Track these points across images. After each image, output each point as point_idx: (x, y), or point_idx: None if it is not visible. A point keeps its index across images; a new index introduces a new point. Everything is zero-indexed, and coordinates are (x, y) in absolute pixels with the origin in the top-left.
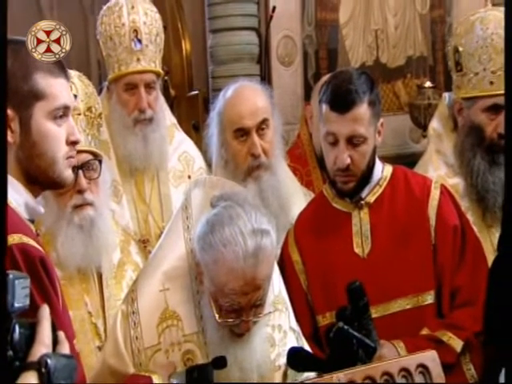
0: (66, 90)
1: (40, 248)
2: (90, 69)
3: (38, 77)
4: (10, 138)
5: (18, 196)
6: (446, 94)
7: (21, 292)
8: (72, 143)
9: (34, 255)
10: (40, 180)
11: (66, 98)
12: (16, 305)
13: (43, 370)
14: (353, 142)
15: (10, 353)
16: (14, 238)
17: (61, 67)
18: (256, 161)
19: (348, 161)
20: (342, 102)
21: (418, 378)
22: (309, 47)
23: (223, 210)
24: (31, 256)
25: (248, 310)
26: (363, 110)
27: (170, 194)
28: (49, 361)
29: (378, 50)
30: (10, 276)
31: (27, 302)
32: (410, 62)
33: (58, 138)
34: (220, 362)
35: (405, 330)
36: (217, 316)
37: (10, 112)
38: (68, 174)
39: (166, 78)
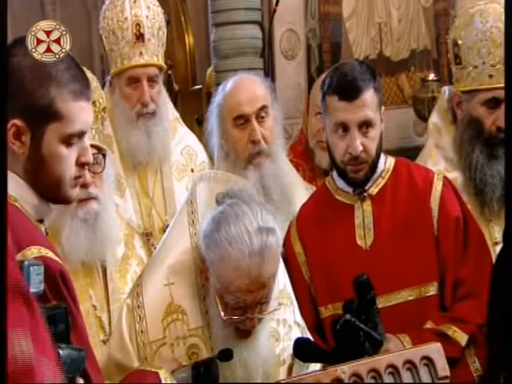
0: (86, 113)
1: (58, 259)
2: (93, 64)
3: (58, 99)
4: (18, 148)
5: (27, 197)
6: (445, 88)
7: (35, 278)
8: (82, 164)
9: (54, 270)
10: (45, 194)
11: (82, 123)
12: (31, 290)
13: None
14: (363, 128)
15: None
16: (32, 252)
17: (84, 86)
18: (256, 147)
19: (361, 147)
20: (350, 89)
21: (423, 370)
22: (312, 41)
23: (229, 207)
24: (51, 271)
25: (253, 307)
26: (370, 95)
27: (173, 187)
28: (61, 352)
29: (381, 43)
30: (26, 263)
31: (42, 287)
32: (414, 55)
33: (68, 159)
34: (226, 355)
35: (408, 321)
36: (222, 313)
37: (22, 124)
38: (73, 192)
39: (169, 72)
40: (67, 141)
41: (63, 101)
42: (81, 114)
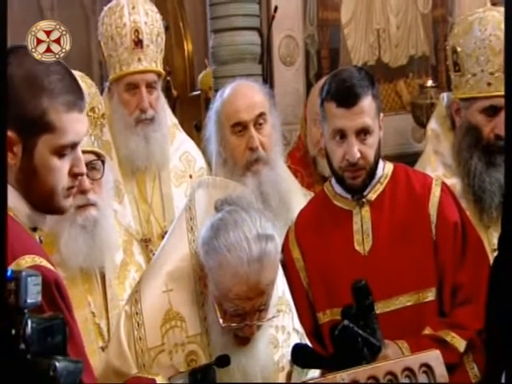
0: (78, 124)
1: (52, 268)
2: (92, 69)
3: (51, 109)
4: (10, 159)
5: (20, 206)
6: (444, 94)
7: (33, 288)
8: (75, 175)
9: (48, 279)
10: (37, 205)
11: (75, 134)
12: (29, 301)
13: (51, 373)
14: (361, 135)
15: (23, 346)
16: (26, 261)
17: (77, 97)
18: (254, 154)
19: (358, 154)
20: (348, 96)
21: (422, 378)
22: (311, 47)
23: (228, 214)
24: (46, 280)
25: (252, 314)
26: (368, 102)
27: (172, 193)
28: (57, 365)
29: (379, 49)
30: (23, 273)
31: (39, 298)
32: (412, 61)
33: (60, 170)
34: (223, 361)
35: (406, 326)
36: (221, 320)
37: (13, 135)
38: (66, 203)
39: (168, 78)
40: (59, 152)
41: (55, 112)
42: (74, 125)
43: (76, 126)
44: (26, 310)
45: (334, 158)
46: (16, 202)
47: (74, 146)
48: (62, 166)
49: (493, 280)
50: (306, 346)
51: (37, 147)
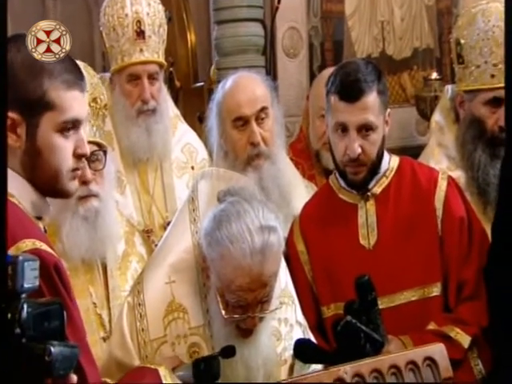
0: (79, 102)
1: (53, 252)
2: (95, 61)
3: (51, 88)
4: (14, 142)
5: (24, 193)
6: (448, 87)
7: (30, 273)
8: (79, 156)
9: (48, 262)
10: (43, 188)
11: (76, 111)
12: (25, 285)
13: (46, 358)
14: (363, 131)
15: (18, 330)
16: (26, 244)
17: (77, 77)
18: (255, 149)
19: (359, 150)
20: (351, 91)
21: (426, 371)
22: (314, 39)
23: (230, 205)
24: (45, 263)
25: (254, 306)
26: (372, 98)
27: (174, 184)
28: (52, 349)
29: (384, 41)
30: (20, 258)
31: (36, 282)
32: (417, 53)
33: (64, 150)
34: (228, 352)
35: (410, 321)
36: (223, 312)
37: (16, 116)
38: (72, 185)
39: (171, 69)
40: (62, 130)
41: (55, 90)
42: (73, 102)
43: (76, 103)
44: (23, 295)
45: (336, 152)
46: (21, 189)
47: (75, 123)
48: (66, 147)
49: (487, 274)
50: (308, 341)
51: (40, 127)
